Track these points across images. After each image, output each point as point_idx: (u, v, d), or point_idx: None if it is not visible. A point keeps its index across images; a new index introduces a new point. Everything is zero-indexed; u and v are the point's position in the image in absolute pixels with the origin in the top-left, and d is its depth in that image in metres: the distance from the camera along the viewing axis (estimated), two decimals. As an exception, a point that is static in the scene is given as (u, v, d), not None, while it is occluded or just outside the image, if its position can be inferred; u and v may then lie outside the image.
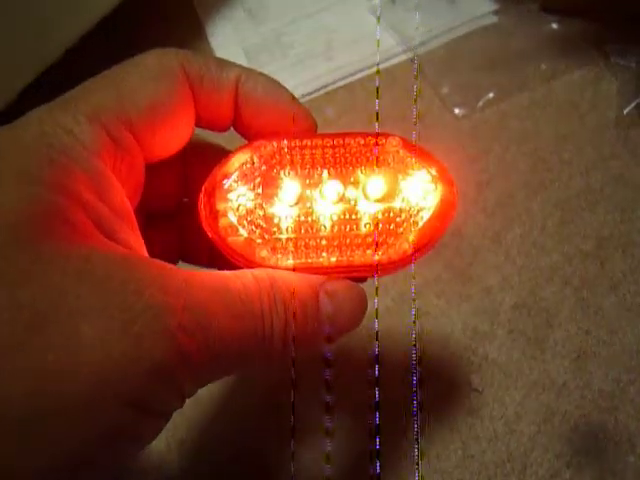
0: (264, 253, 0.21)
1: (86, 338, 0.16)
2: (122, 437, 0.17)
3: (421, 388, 0.33)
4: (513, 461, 0.30)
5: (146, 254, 0.20)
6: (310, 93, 0.47)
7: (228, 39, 0.52)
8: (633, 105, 0.41)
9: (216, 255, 0.22)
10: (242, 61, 0.50)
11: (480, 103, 0.44)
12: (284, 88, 0.23)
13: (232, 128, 0.23)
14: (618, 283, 0.35)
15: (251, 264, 0.21)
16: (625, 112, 0.41)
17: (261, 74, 0.22)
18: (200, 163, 0.23)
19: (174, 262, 0.25)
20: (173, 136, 0.21)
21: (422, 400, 0.32)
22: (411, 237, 0.21)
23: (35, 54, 0.40)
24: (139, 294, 0.17)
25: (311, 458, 0.31)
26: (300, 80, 0.48)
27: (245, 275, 0.20)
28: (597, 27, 0.46)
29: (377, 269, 0.21)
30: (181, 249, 0.26)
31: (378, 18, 0.49)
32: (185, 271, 0.18)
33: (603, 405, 0.31)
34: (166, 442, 0.32)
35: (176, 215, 0.27)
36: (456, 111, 0.43)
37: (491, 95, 0.44)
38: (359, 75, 0.47)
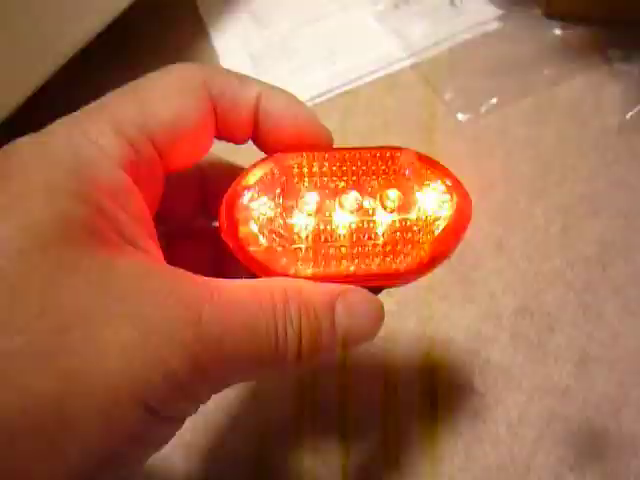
0: (284, 262, 0.21)
1: (108, 344, 0.16)
2: (139, 440, 0.18)
3: (424, 391, 0.33)
4: (516, 464, 0.30)
5: (164, 262, 0.21)
6: (314, 97, 0.47)
7: (233, 43, 0.52)
8: (636, 110, 0.42)
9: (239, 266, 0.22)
10: (247, 65, 0.50)
11: (483, 108, 0.44)
12: (303, 104, 0.23)
13: (250, 141, 0.24)
14: (620, 287, 0.35)
15: (270, 273, 0.21)
16: (628, 117, 0.42)
17: (281, 91, 0.23)
18: (219, 181, 0.23)
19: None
20: (193, 148, 0.22)
21: (424, 403, 0.32)
22: (427, 246, 0.22)
23: (38, 62, 0.41)
24: (158, 305, 0.17)
25: (325, 464, 0.32)
26: (304, 84, 0.48)
27: (261, 286, 0.20)
28: (600, 33, 0.46)
29: (395, 277, 0.22)
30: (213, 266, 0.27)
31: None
32: (202, 280, 0.19)
33: (606, 409, 0.31)
34: (171, 445, 0.32)
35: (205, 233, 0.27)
36: (459, 116, 0.44)
37: (494, 100, 0.44)
38: (363, 80, 0.47)
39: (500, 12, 0.49)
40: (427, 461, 0.31)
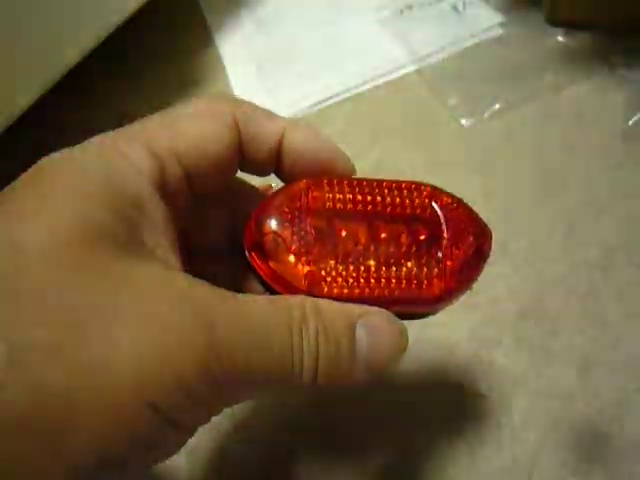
0: (308, 281, 0.21)
1: (120, 343, 0.17)
2: (147, 444, 0.18)
3: (428, 394, 0.33)
4: (518, 468, 0.30)
5: (182, 271, 0.21)
6: (318, 103, 0.47)
7: (238, 49, 0.53)
8: (638, 117, 0.42)
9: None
10: (251, 71, 0.51)
11: (487, 114, 0.44)
12: (326, 137, 0.24)
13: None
14: (623, 292, 0.35)
15: (293, 291, 0.21)
16: (630, 123, 0.42)
17: (304, 126, 0.24)
18: (247, 205, 0.24)
19: None
20: (218, 172, 0.23)
21: (428, 407, 0.32)
22: (451, 274, 0.22)
23: (41, 70, 0.41)
24: (172, 309, 0.18)
25: (327, 466, 0.32)
26: (308, 90, 0.48)
27: (279, 302, 0.20)
28: (602, 39, 0.46)
29: (419, 303, 0.22)
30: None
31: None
32: (220, 291, 0.19)
33: (609, 413, 0.31)
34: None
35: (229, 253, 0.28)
36: (463, 122, 0.44)
37: (497, 106, 0.44)
38: (367, 86, 0.48)
39: (503, 19, 0.49)
40: (430, 464, 0.31)
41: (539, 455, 0.30)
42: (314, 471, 0.31)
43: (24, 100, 0.40)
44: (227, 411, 0.33)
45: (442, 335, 0.34)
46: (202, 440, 0.33)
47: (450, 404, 0.33)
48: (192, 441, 0.32)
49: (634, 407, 0.31)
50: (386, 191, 0.23)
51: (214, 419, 0.32)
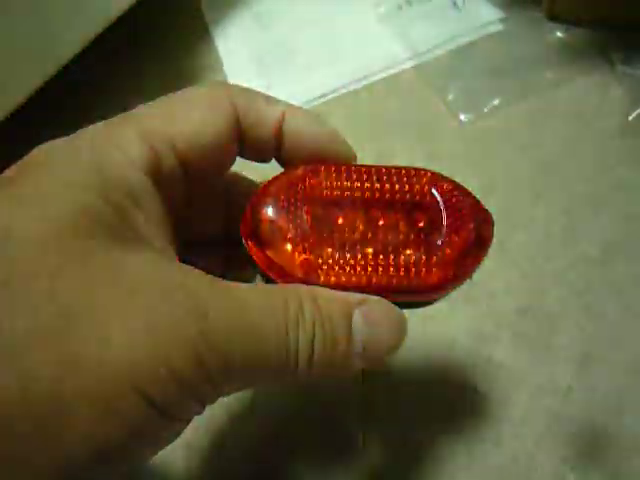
0: (305, 268, 0.21)
1: (113, 334, 0.16)
2: (141, 435, 0.17)
3: (426, 391, 0.33)
4: (517, 464, 0.30)
5: (177, 260, 0.21)
6: (317, 98, 0.47)
7: (236, 45, 0.52)
8: (638, 112, 0.42)
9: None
10: (250, 66, 0.50)
11: (485, 109, 0.44)
12: (326, 124, 0.24)
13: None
14: (622, 288, 0.35)
15: (290, 279, 0.21)
16: (630, 119, 0.42)
17: (304, 111, 0.24)
18: (243, 196, 0.24)
19: None
20: (216, 161, 0.23)
21: (427, 403, 0.32)
22: (451, 263, 0.22)
23: (37, 64, 0.41)
24: (165, 298, 0.17)
25: (325, 464, 0.31)
26: (306, 86, 0.48)
27: (275, 291, 0.20)
28: (602, 35, 0.46)
29: (417, 292, 0.22)
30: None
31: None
32: (214, 280, 0.19)
33: (608, 409, 0.31)
34: (171, 445, 0.32)
35: (221, 245, 0.28)
36: (461, 117, 0.44)
37: (496, 102, 0.44)
38: (366, 81, 0.48)
39: (503, 14, 0.49)
40: (429, 462, 0.31)
41: (538, 452, 0.30)
42: (314, 471, 0.31)
43: (20, 95, 0.40)
44: (225, 408, 0.34)
45: (441, 331, 0.34)
46: (199, 436, 0.33)
47: (449, 401, 0.32)
48: (189, 437, 0.32)
49: (633, 403, 0.31)
50: (385, 177, 0.22)
51: (212, 416, 0.33)
